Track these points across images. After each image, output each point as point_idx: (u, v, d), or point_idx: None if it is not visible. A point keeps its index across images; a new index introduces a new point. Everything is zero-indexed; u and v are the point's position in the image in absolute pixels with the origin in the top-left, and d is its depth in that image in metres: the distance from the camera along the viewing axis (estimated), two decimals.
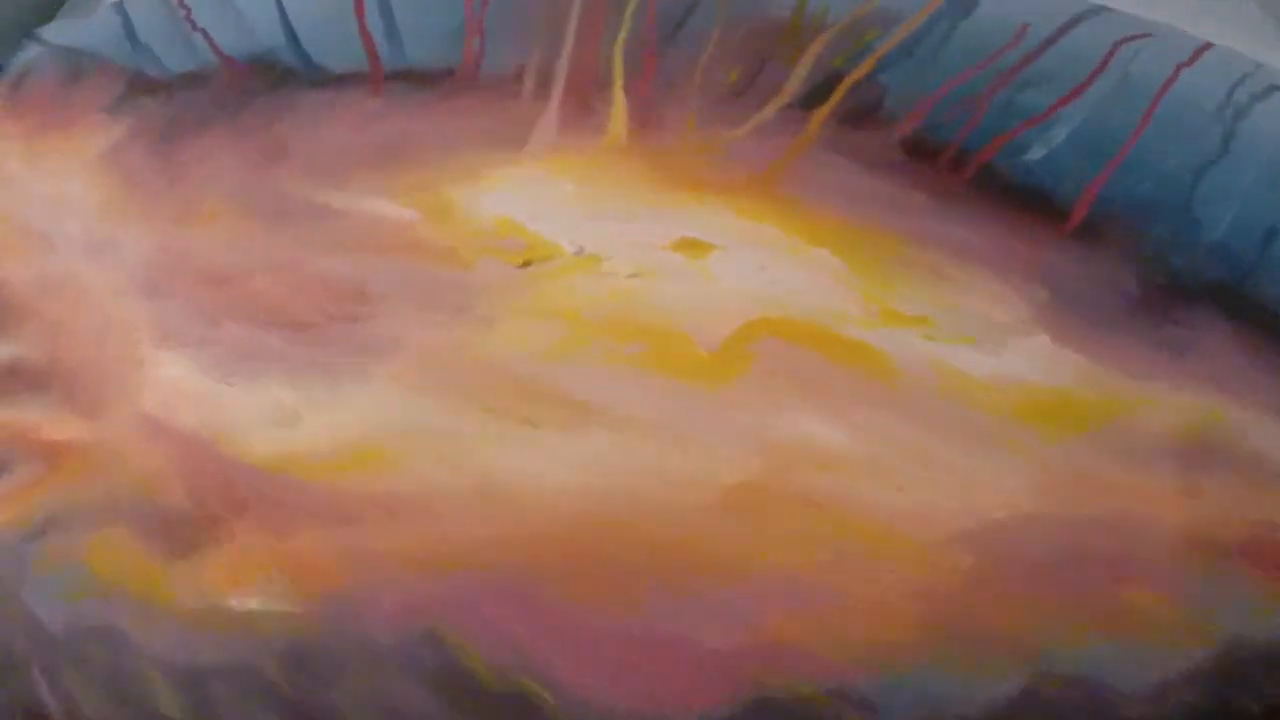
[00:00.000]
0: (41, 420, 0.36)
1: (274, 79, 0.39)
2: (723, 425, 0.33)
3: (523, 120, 0.38)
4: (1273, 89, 0.34)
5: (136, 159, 0.38)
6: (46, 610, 0.34)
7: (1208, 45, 0.33)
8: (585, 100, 0.37)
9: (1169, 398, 0.31)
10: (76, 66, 0.39)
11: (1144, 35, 0.34)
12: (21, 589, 0.35)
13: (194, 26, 0.39)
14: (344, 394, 0.35)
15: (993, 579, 0.30)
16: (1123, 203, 0.32)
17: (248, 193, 0.37)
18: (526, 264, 0.36)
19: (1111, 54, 0.34)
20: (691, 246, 0.36)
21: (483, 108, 0.38)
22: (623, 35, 0.37)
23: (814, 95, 0.35)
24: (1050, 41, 0.34)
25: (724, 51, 0.36)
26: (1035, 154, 0.33)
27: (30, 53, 0.40)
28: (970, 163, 0.33)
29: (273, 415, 0.35)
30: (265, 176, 0.38)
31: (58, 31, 0.41)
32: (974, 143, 0.33)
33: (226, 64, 0.39)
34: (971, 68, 0.34)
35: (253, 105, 0.38)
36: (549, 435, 0.34)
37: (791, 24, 0.36)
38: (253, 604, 0.34)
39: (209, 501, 0.34)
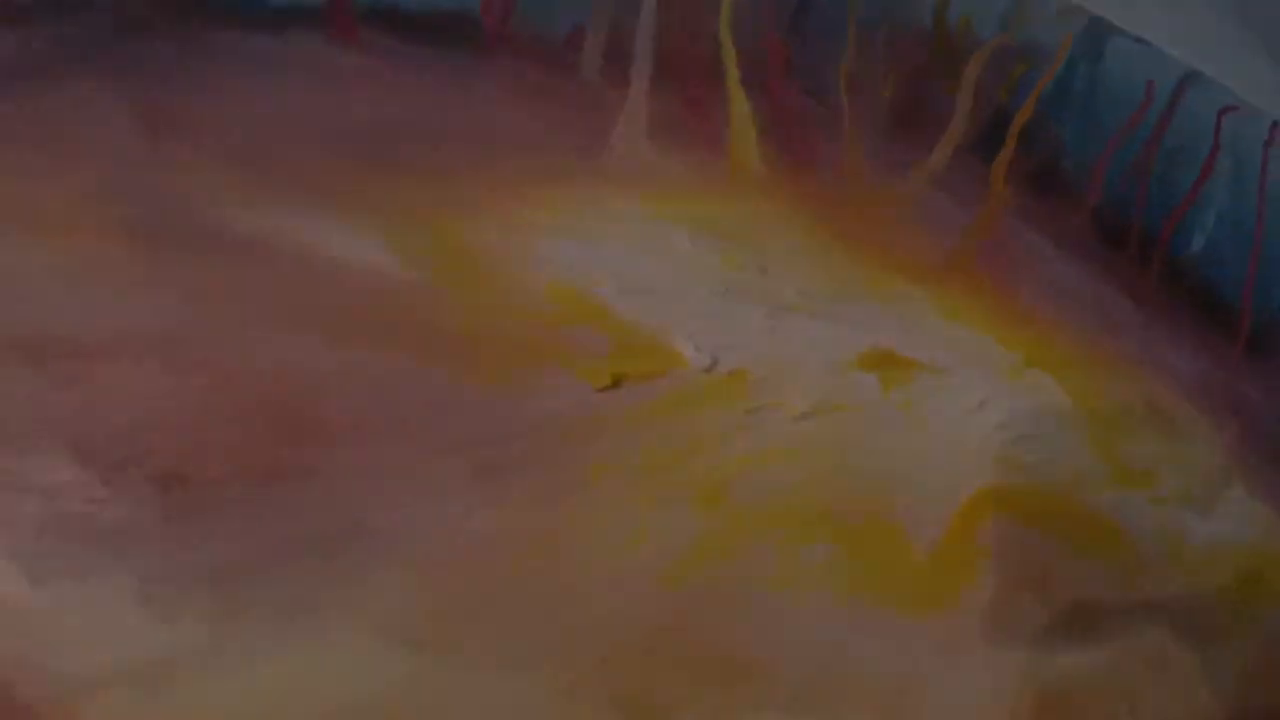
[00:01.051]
0: None
1: (178, 9, 0.30)
2: (955, 679, 0.25)
3: (591, 114, 0.29)
4: None
5: None
6: None
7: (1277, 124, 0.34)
8: (687, 92, 0.30)
9: None
10: None
11: (1235, 107, 0.33)
12: None
13: None
14: (272, 638, 0.21)
15: None
16: (1274, 308, 0.31)
17: (122, 186, 0.26)
18: (617, 383, 0.25)
19: (1219, 127, 0.32)
20: (887, 362, 0.28)
21: (522, 86, 0.29)
22: (727, 3, 0.31)
23: (985, 137, 0.32)
24: (1172, 106, 0.33)
25: (867, 57, 0.32)
26: (1197, 244, 0.32)
27: None
28: (1152, 250, 0.32)
29: (126, 664, 0.21)
30: (151, 162, 0.27)
31: None
32: (1150, 222, 0.32)
33: None
34: (1123, 128, 0.32)
35: (137, 47, 0.29)
36: None
37: (936, 35, 0.32)
38: None
39: None
